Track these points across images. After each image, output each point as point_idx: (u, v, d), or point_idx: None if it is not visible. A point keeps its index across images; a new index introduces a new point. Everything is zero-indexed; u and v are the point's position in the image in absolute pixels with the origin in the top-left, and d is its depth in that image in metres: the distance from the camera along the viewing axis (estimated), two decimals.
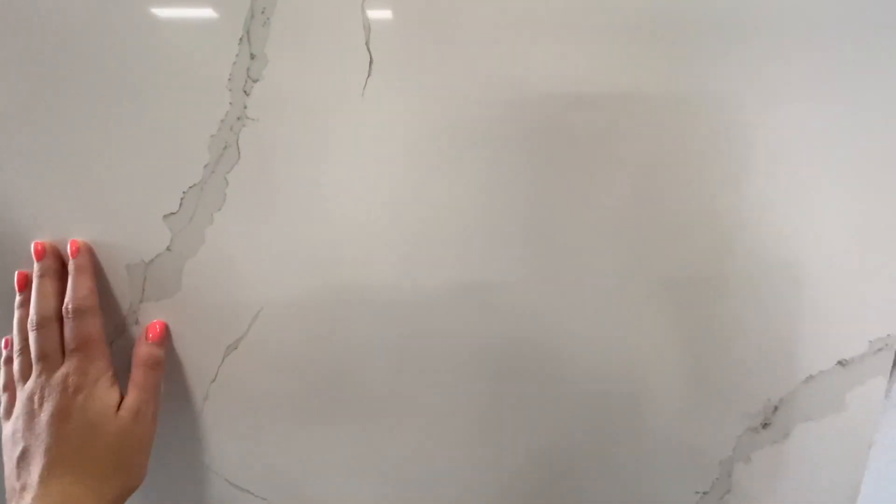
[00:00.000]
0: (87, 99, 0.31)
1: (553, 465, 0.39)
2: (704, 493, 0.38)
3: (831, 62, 0.30)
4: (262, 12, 0.30)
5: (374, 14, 0.30)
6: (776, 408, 0.36)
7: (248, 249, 0.34)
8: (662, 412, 0.37)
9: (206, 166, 0.32)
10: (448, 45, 0.30)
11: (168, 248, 0.34)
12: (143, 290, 0.34)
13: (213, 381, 0.36)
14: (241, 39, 0.30)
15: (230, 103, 0.31)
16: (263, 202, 0.33)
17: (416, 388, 0.37)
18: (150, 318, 0.35)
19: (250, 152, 0.32)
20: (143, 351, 0.33)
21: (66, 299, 0.31)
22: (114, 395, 0.32)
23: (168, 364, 0.36)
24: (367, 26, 0.30)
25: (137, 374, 0.33)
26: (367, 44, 0.30)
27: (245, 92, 0.31)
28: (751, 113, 0.31)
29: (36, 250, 0.32)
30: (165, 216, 0.33)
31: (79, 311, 0.31)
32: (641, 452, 0.38)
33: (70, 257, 0.32)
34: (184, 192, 0.33)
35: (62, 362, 0.31)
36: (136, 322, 0.35)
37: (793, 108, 0.31)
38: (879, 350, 0.35)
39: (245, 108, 0.31)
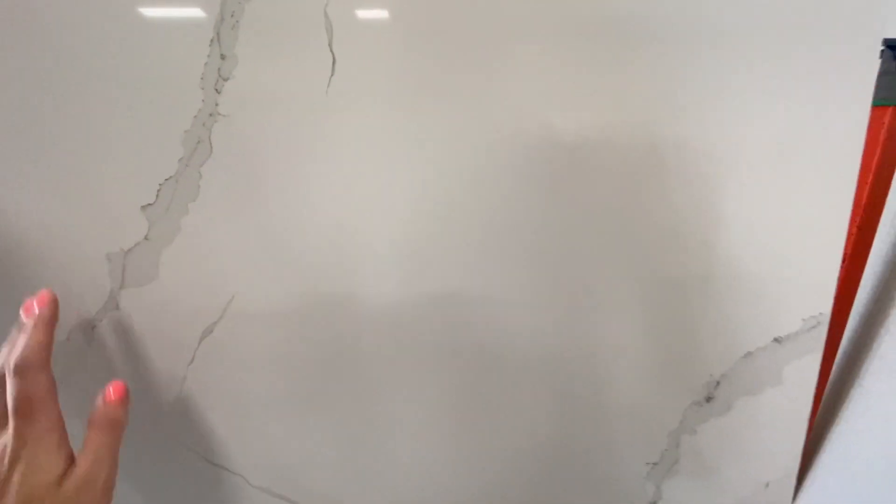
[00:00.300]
0: (69, 96, 0.33)
1: (516, 445, 0.41)
2: (654, 463, 0.41)
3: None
4: (232, 15, 0.32)
5: (336, 16, 0.32)
6: (718, 383, 0.39)
7: (222, 238, 0.36)
8: (614, 389, 0.39)
9: (180, 160, 0.34)
10: (411, 46, 0.33)
11: (146, 238, 0.36)
12: (123, 277, 0.36)
13: (191, 363, 0.38)
14: (211, 41, 0.32)
15: (202, 101, 0.33)
16: (236, 194, 0.35)
17: (390, 373, 0.39)
18: (131, 305, 0.37)
19: (222, 147, 0.34)
20: (101, 411, 0.30)
21: (9, 355, 0.28)
22: (58, 463, 0.28)
23: (146, 348, 0.38)
24: (329, 28, 0.32)
25: (92, 437, 0.30)
26: (329, 44, 0.33)
27: (216, 90, 0.33)
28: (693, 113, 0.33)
29: None
30: (143, 207, 0.35)
31: (20, 369, 0.27)
32: (595, 428, 0.40)
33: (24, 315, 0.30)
34: (160, 185, 0.35)
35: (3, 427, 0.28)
36: (117, 307, 0.37)
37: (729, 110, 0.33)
38: (812, 327, 0.38)
39: (216, 105, 0.33)
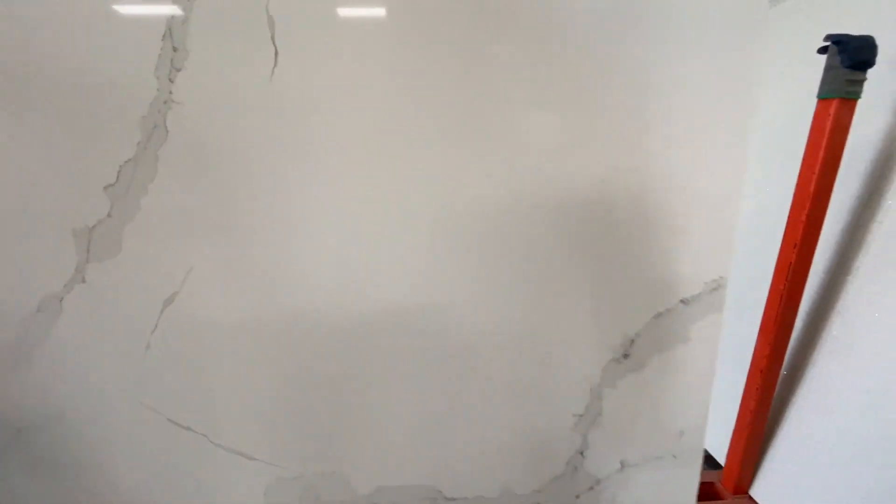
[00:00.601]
0: (35, 84, 0.36)
1: (470, 402, 0.46)
2: (580, 415, 0.45)
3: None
4: (182, 11, 0.36)
5: (277, 13, 0.36)
6: (633, 341, 0.44)
7: (179, 215, 0.39)
8: (543, 351, 0.44)
9: (138, 143, 0.38)
10: (343, 37, 0.36)
11: (109, 215, 0.39)
12: (88, 251, 0.40)
13: (154, 331, 0.41)
14: (164, 35, 0.36)
15: (157, 89, 0.37)
16: (191, 174, 0.38)
17: (349, 337, 0.43)
18: (97, 278, 0.40)
19: (177, 131, 0.38)
20: None
21: None
22: None
23: (112, 319, 0.41)
24: (271, 23, 0.36)
25: None
26: (272, 38, 0.36)
27: (170, 79, 0.37)
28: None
29: None
30: (105, 187, 0.38)
31: None
32: (528, 386, 0.45)
33: None
34: (120, 166, 0.38)
35: None
36: (83, 280, 0.40)
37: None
38: (713, 290, 0.43)
39: (170, 93, 0.37)
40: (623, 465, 0.46)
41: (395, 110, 0.38)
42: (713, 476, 1.76)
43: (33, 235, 0.39)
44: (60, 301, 0.40)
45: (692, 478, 0.47)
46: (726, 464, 1.72)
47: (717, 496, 1.66)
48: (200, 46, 0.36)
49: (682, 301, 0.43)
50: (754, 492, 1.63)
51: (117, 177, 0.38)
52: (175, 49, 0.36)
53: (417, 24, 0.36)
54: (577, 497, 0.47)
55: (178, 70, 0.36)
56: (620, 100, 0.38)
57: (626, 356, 0.44)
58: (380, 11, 0.36)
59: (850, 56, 1.13)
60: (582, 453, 0.46)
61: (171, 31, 0.36)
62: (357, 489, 0.45)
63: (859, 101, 1.27)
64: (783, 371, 1.44)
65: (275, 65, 0.37)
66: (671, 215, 0.41)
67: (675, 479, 0.47)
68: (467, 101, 0.38)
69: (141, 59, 0.36)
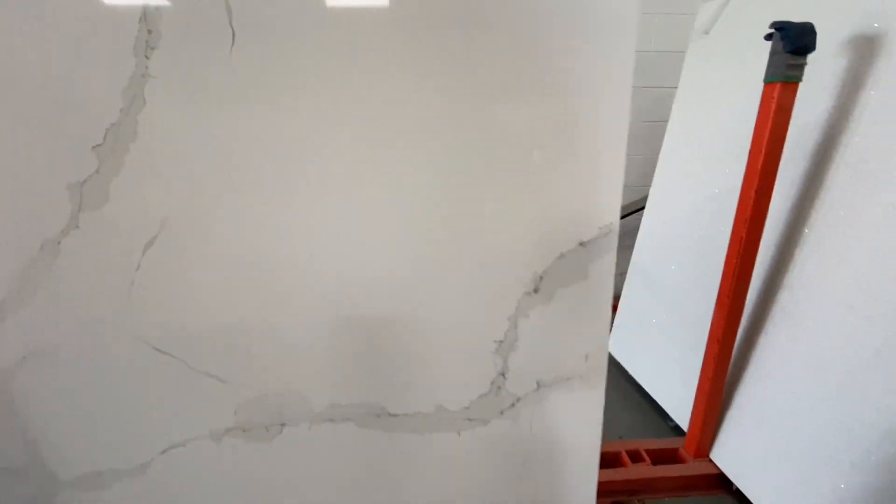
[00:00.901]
0: (34, 64, 0.44)
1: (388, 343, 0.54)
2: (500, 341, 0.54)
3: None
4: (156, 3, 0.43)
5: (234, 2, 0.43)
6: (541, 278, 0.52)
7: (156, 170, 0.47)
8: (466, 285, 0.52)
9: (121, 110, 0.45)
10: (296, 21, 0.44)
11: (97, 171, 0.47)
12: (80, 202, 0.47)
13: (137, 269, 0.49)
14: (140, 18, 0.43)
15: (135, 65, 0.44)
16: (166, 135, 0.46)
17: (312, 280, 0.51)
18: (88, 226, 0.48)
19: (153, 99, 0.45)
20: None
21: None
22: None
23: (101, 259, 0.49)
24: (229, 9, 0.44)
25: None
26: (230, 22, 0.44)
27: (146, 56, 0.44)
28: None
29: None
30: (93, 147, 0.46)
31: None
32: (458, 315, 0.53)
33: None
34: (106, 129, 0.46)
35: None
36: (77, 227, 0.48)
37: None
38: (605, 234, 0.52)
39: (147, 68, 0.45)
40: (539, 384, 0.55)
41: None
42: (678, 443, 1.88)
43: (34, 189, 0.47)
44: (58, 244, 0.48)
45: (598, 396, 0.56)
46: (689, 430, 1.84)
47: (680, 460, 1.78)
48: (171, 29, 0.44)
49: (580, 244, 0.51)
50: (714, 455, 1.76)
51: (104, 138, 0.46)
52: (150, 31, 0.44)
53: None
54: (501, 413, 0.56)
55: (153, 49, 0.44)
56: (526, 76, 0.46)
57: (536, 290, 0.53)
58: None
59: (791, 41, 1.22)
60: (503, 375, 0.55)
61: (146, 15, 0.43)
62: (313, 406, 0.54)
63: (808, 87, 1.37)
64: (739, 339, 1.55)
65: (232, 44, 0.44)
66: (570, 174, 0.49)
67: (584, 397, 0.56)
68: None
69: (121, 40, 0.44)
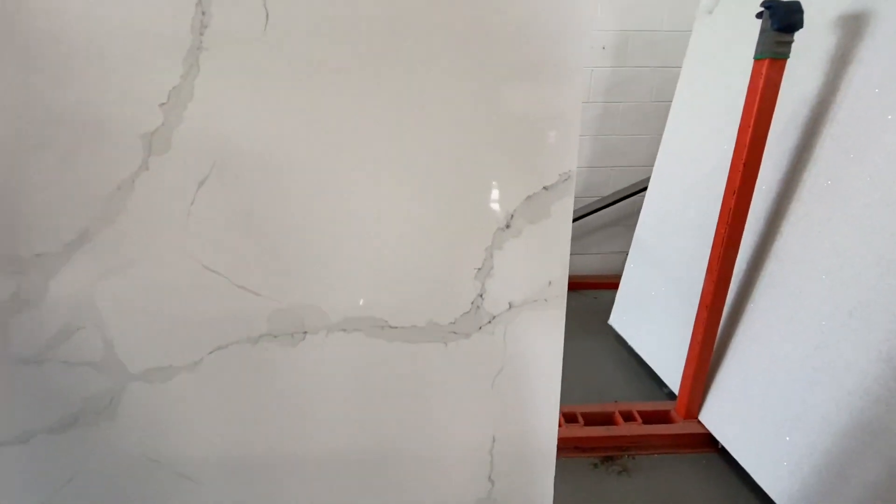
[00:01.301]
0: (111, 37, 0.57)
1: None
2: (479, 268, 0.67)
3: None
4: None
5: None
6: (512, 216, 0.64)
7: (208, 123, 0.60)
8: (451, 221, 0.64)
9: (181, 76, 0.58)
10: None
11: (162, 124, 0.60)
12: (150, 149, 0.61)
13: (192, 203, 0.63)
14: (196, 4, 0.56)
15: (192, 40, 0.57)
16: (216, 96, 0.59)
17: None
18: (155, 168, 0.61)
19: (206, 68, 0.58)
20: None
21: None
22: None
23: (162, 195, 0.62)
24: None
25: None
26: (264, 4, 0.56)
27: (200, 34, 0.57)
28: None
29: None
30: (160, 105, 0.59)
31: None
32: (439, 247, 0.66)
33: None
34: (169, 91, 0.59)
35: None
36: (147, 168, 0.61)
37: None
38: (565, 180, 0.63)
39: (201, 42, 0.57)
40: (510, 305, 0.68)
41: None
42: (669, 405, 2.01)
43: (114, 139, 0.60)
44: (132, 183, 0.62)
45: (560, 315, 0.68)
46: (679, 393, 1.97)
47: (670, 421, 1.91)
48: (220, 10, 0.56)
49: (544, 188, 0.63)
50: (702, 416, 1.88)
51: (167, 98, 0.59)
52: (203, 13, 0.56)
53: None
54: (480, 328, 0.68)
55: (206, 27, 0.57)
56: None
57: (507, 227, 0.64)
58: None
59: (779, 19, 1.30)
60: (481, 296, 0.67)
61: (202, 1, 0.56)
62: (330, 318, 0.67)
63: (799, 64, 1.46)
64: (727, 307, 1.65)
65: (266, 22, 0.57)
66: (534, 132, 0.60)
67: (548, 317, 0.68)
68: None
69: (182, 20, 0.56)
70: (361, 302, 0.67)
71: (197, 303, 0.66)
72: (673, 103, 2.10)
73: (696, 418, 1.73)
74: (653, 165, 2.24)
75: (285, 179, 0.62)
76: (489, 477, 0.76)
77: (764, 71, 1.29)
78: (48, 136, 0.59)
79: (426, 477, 0.75)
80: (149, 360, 0.69)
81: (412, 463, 0.74)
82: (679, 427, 1.71)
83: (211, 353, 0.68)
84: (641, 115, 2.71)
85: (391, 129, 0.61)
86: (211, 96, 0.59)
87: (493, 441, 0.74)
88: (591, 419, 1.74)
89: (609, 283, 2.68)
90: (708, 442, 1.71)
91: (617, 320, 2.32)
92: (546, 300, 0.67)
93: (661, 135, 2.18)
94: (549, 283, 0.67)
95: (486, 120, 0.60)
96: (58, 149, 0.60)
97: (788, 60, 1.31)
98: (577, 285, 2.61)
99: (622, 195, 2.51)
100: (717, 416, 1.64)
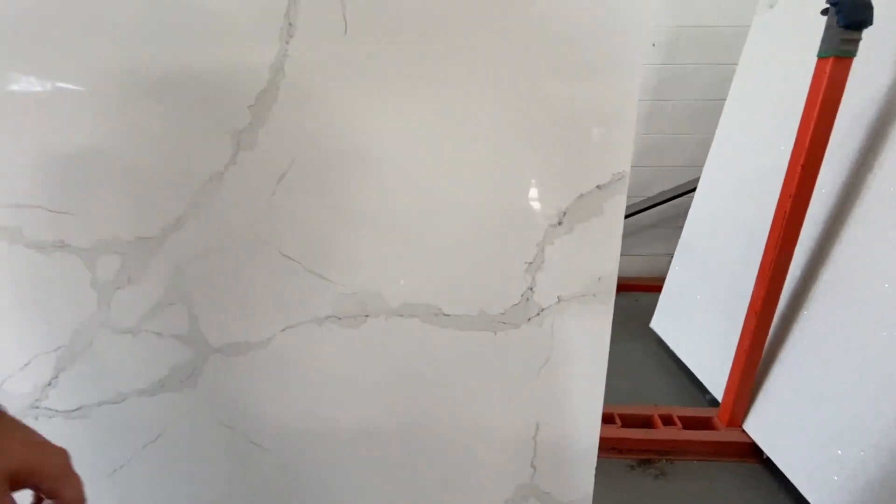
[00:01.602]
0: (203, 48, 0.64)
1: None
2: (530, 262, 0.70)
3: None
4: (295, 3, 0.62)
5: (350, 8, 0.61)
6: (564, 213, 0.67)
7: (290, 123, 0.67)
8: (504, 218, 0.68)
9: (268, 80, 0.65)
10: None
11: (250, 124, 0.67)
12: (238, 146, 0.68)
13: (273, 195, 0.70)
14: (284, 15, 0.62)
15: (279, 48, 0.64)
16: (298, 99, 0.66)
17: None
18: (242, 163, 0.69)
19: (291, 73, 0.65)
20: None
21: None
22: None
23: (247, 186, 0.69)
24: (343, 4, 0.61)
25: None
26: (343, 14, 0.62)
27: (286, 42, 0.63)
28: None
29: None
30: (248, 106, 0.66)
31: None
32: (495, 242, 0.69)
33: None
34: (257, 93, 0.66)
35: None
36: (235, 163, 0.69)
37: None
38: (619, 179, 0.65)
39: (287, 50, 0.64)
40: (559, 299, 0.71)
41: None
42: (712, 412, 1.97)
43: (207, 136, 0.68)
44: (222, 175, 0.70)
45: (608, 310, 0.70)
46: (723, 400, 1.93)
47: (712, 428, 1.88)
48: (304, 23, 0.62)
49: (597, 186, 0.66)
50: (747, 425, 1.84)
51: (255, 100, 0.66)
52: (290, 24, 0.63)
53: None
54: (529, 319, 0.72)
55: (291, 37, 0.63)
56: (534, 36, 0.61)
57: (559, 223, 0.68)
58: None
59: (846, 16, 1.26)
60: (531, 289, 0.71)
61: (289, 13, 0.62)
62: (390, 304, 0.73)
63: (865, 63, 1.40)
64: (778, 313, 1.60)
65: (345, 31, 0.62)
66: (590, 131, 0.63)
67: (596, 311, 0.71)
68: None
69: (271, 29, 0.63)
70: (419, 288, 0.72)
71: (272, 285, 0.73)
72: (727, 102, 2.03)
73: (740, 427, 1.68)
74: (700, 166, 2.18)
75: (359, 176, 0.67)
76: (531, 462, 0.80)
77: (828, 70, 1.24)
78: (153, 135, 0.68)
79: (470, 457, 0.80)
80: (227, 336, 0.77)
81: (458, 443, 0.79)
82: (721, 434, 1.67)
83: (282, 330, 0.75)
84: (689, 113, 2.63)
85: (453, 126, 0.65)
86: (294, 99, 0.65)
87: (537, 428, 0.77)
88: (630, 421, 1.73)
89: (651, 286, 2.63)
90: (751, 452, 1.67)
91: (659, 324, 2.28)
92: (595, 295, 0.70)
93: (709, 135, 2.12)
94: (599, 279, 0.70)
95: (541, 118, 0.64)
96: (160, 147, 0.68)
97: (855, 59, 1.25)
98: (617, 287, 2.57)
99: (668, 196, 2.46)
100: (763, 426, 1.59)
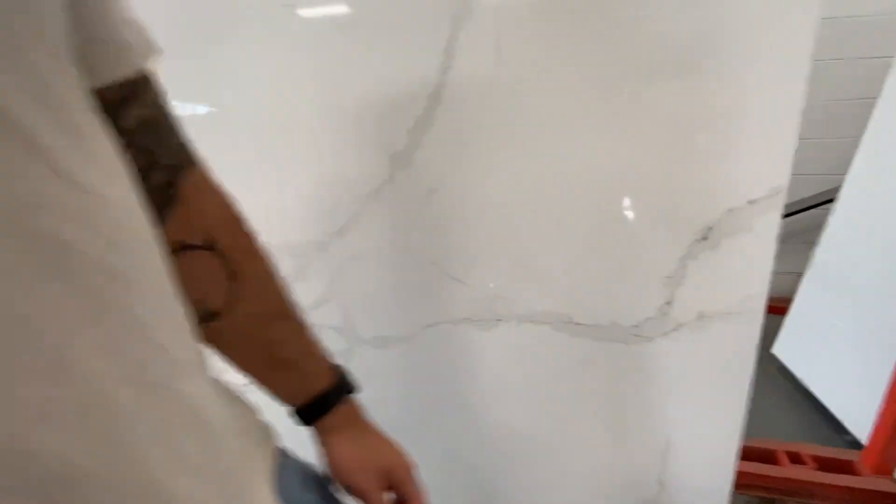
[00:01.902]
0: (373, 76, 0.74)
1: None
2: (669, 276, 0.70)
3: None
4: (455, 39, 0.70)
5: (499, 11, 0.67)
6: (710, 228, 0.66)
7: (442, 147, 0.74)
8: (646, 229, 0.69)
9: (424, 108, 0.74)
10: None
11: (406, 146, 0.76)
12: (395, 165, 0.77)
13: (423, 208, 0.78)
14: (444, 50, 0.70)
15: (437, 78, 0.72)
16: (451, 126, 0.73)
17: None
18: (398, 181, 0.78)
19: (446, 100, 0.72)
20: None
21: None
22: None
23: (402, 202, 0.79)
24: (498, 26, 0.68)
25: None
26: (497, 46, 0.68)
27: (444, 73, 0.71)
28: None
29: None
30: (406, 130, 0.75)
31: None
32: (634, 254, 0.71)
33: None
34: (415, 118, 0.74)
35: None
36: (392, 181, 0.78)
37: None
38: (775, 195, 0.63)
39: (444, 80, 0.71)
40: (700, 315, 0.70)
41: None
42: (852, 455, 1.77)
43: (369, 157, 0.78)
44: (379, 191, 0.80)
45: (754, 331, 0.68)
46: (869, 443, 1.73)
47: (854, 473, 1.69)
48: (468, 48, 0.69)
49: (749, 202, 0.64)
50: None
51: (413, 124, 0.75)
52: (447, 53, 0.70)
53: None
54: (665, 334, 0.72)
55: (449, 68, 0.71)
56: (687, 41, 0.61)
57: (704, 238, 0.67)
58: None
59: None
60: (669, 303, 0.71)
61: (448, 44, 0.70)
62: (522, 310, 0.78)
63: None
64: None
65: (498, 62, 0.69)
66: (743, 139, 0.62)
67: (740, 331, 0.68)
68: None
69: (431, 63, 0.71)
70: (548, 297, 0.76)
71: (418, 287, 0.82)
72: (880, 101, 1.78)
73: (891, 476, 1.46)
74: (837, 174, 1.93)
75: (502, 196, 0.73)
76: (658, 479, 0.79)
77: None
78: (321, 154, 0.80)
79: (595, 465, 0.81)
80: (376, 330, 0.87)
81: (583, 449, 0.81)
82: (866, 482, 1.47)
83: (423, 328, 0.84)
84: (828, 114, 2.34)
85: (601, 133, 0.68)
86: (447, 125, 0.73)
87: (668, 446, 0.76)
88: (749, 454, 1.59)
89: (773, 307, 2.37)
90: None
91: (782, 350, 2.06)
92: (740, 314, 0.68)
93: (852, 138, 1.87)
94: (746, 298, 0.68)
95: (693, 127, 0.64)
96: (330, 162, 0.80)
97: None
98: None
99: (800, 207, 2.21)
100: None
